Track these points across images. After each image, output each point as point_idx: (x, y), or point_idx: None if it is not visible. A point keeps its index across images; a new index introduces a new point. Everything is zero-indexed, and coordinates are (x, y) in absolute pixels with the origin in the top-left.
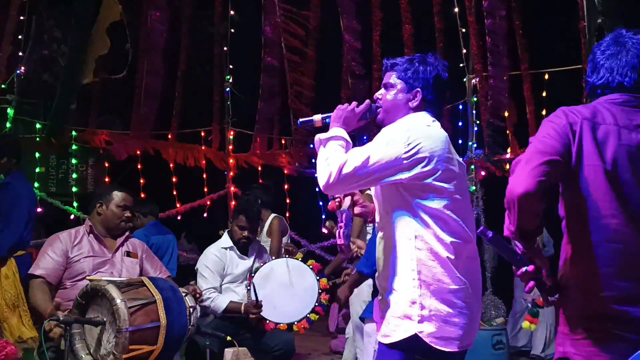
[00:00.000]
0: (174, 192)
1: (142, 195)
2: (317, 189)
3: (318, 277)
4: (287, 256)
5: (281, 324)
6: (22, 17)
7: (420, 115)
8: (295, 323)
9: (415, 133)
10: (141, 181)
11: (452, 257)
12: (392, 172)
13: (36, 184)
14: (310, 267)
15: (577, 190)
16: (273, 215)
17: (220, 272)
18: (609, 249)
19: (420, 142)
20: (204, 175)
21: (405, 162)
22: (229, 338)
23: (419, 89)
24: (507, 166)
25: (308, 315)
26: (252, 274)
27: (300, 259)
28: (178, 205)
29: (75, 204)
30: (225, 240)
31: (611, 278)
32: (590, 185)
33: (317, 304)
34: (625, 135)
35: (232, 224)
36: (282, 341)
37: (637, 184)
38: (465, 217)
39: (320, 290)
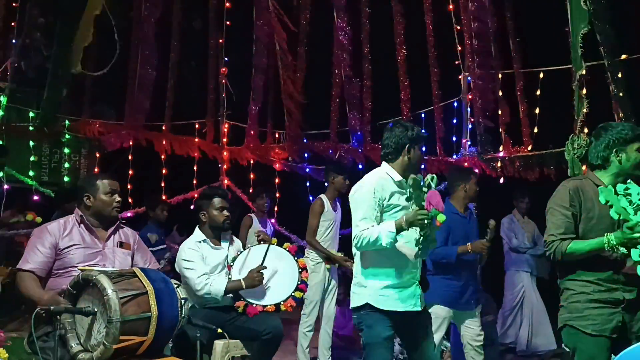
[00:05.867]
0: (162, 184)
1: (129, 187)
2: (307, 184)
3: (296, 258)
4: (262, 243)
5: (269, 306)
6: (14, 4)
7: None
8: (282, 303)
9: None
10: (130, 172)
11: None
12: None
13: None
14: (287, 249)
15: None
16: None
17: (202, 260)
18: None
19: None
20: (195, 168)
21: None
22: (219, 330)
23: None
24: (499, 164)
25: (293, 294)
26: (231, 263)
27: (275, 244)
28: (164, 197)
29: None
30: (197, 234)
31: None
32: None
33: (299, 282)
34: None
35: (207, 213)
36: (271, 326)
37: None
38: None
39: (300, 269)
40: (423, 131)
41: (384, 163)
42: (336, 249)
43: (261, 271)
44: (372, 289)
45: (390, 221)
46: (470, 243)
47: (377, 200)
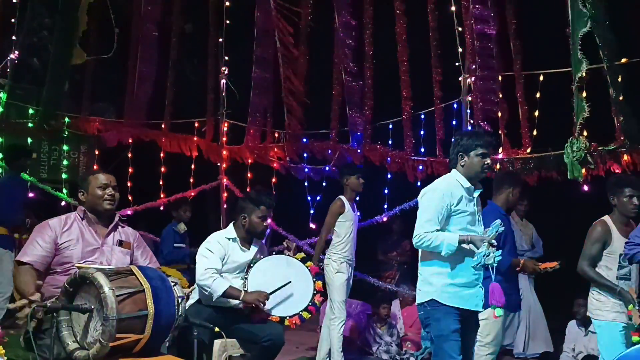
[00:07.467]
0: (161, 182)
1: (129, 184)
2: (306, 184)
3: (315, 279)
4: (288, 254)
5: (273, 316)
6: (14, 0)
7: None
8: (288, 318)
9: None
10: (129, 170)
11: None
12: None
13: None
14: (308, 268)
15: None
16: None
17: (221, 258)
18: None
19: None
20: (193, 166)
21: None
22: (217, 329)
23: None
24: (498, 166)
25: (301, 313)
26: (251, 265)
27: (300, 259)
28: (162, 196)
29: (65, 191)
30: (230, 231)
31: None
32: None
33: (310, 304)
34: None
35: (248, 218)
36: (272, 333)
37: None
38: None
39: (315, 292)
40: (482, 140)
41: (453, 170)
42: (354, 250)
43: (267, 299)
44: (437, 286)
45: (455, 234)
46: (524, 260)
47: (446, 205)
